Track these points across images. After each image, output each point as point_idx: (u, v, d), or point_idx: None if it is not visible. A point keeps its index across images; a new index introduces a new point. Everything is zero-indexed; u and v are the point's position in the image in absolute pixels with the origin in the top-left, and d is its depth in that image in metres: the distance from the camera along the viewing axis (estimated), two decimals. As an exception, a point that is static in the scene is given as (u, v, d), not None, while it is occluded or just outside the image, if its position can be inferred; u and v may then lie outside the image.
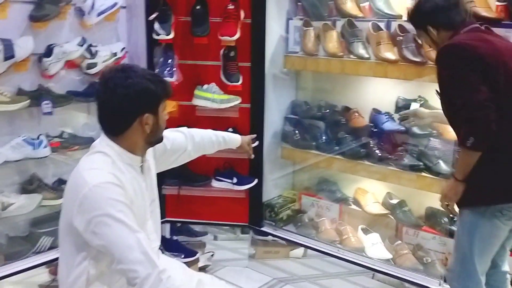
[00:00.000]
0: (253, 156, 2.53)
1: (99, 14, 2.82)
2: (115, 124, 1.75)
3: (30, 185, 2.76)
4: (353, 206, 3.21)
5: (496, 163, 2.00)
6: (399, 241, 2.93)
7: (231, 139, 2.36)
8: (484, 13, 2.53)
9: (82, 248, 1.69)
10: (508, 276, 2.30)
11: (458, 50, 1.99)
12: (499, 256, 2.24)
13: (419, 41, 2.41)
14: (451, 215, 2.20)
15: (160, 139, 1.87)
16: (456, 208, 2.18)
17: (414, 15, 2.21)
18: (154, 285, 1.59)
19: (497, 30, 2.45)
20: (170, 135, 2.10)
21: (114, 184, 1.65)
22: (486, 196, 2.04)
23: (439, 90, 2.09)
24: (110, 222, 1.60)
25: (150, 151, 1.92)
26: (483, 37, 2.05)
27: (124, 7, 3.04)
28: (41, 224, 2.81)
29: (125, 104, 1.70)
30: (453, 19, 2.11)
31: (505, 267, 2.28)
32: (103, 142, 1.77)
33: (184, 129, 2.20)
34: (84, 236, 1.65)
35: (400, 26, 2.80)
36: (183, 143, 2.15)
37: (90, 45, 2.84)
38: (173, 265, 2.02)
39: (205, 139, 2.24)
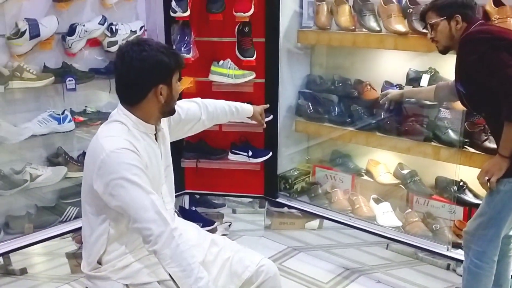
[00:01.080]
0: (265, 126, 2.63)
1: (119, -7, 2.92)
2: (132, 95, 1.86)
3: (56, 158, 2.91)
4: (366, 177, 3.28)
5: None
6: (410, 210, 3.01)
7: (244, 109, 2.45)
8: None
9: (103, 210, 1.82)
10: None
11: (483, 34, 2.12)
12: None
13: (427, 31, 2.38)
14: (489, 190, 2.23)
15: (173, 110, 1.96)
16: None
17: (446, 3, 2.26)
18: (167, 242, 1.71)
19: (506, 1, 2.51)
20: (185, 105, 2.20)
21: (129, 150, 1.76)
22: None
23: (460, 79, 2.23)
24: (126, 184, 1.72)
25: (165, 120, 2.02)
26: (495, 26, 2.23)
27: (143, -14, 3.14)
28: (67, 195, 2.97)
29: (140, 76, 1.80)
30: (474, 13, 2.26)
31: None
32: (120, 111, 1.88)
33: (198, 99, 2.30)
34: (103, 198, 1.77)
35: (411, -1, 2.84)
36: (197, 113, 2.25)
37: (111, 24, 2.95)
38: (187, 226, 2.14)
39: (218, 108, 2.34)
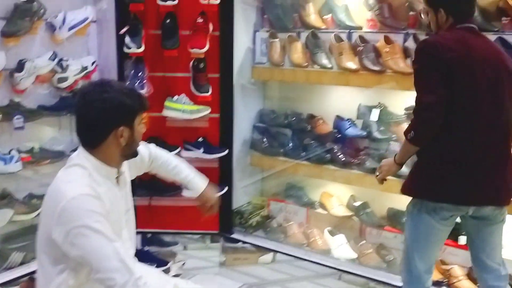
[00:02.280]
0: (208, 215, 2.35)
1: (70, 29, 2.86)
2: (92, 137, 1.81)
3: (1, 200, 2.74)
4: (320, 210, 3.34)
5: (437, 162, 2.09)
6: (364, 241, 3.08)
7: (194, 184, 2.24)
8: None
9: (61, 260, 1.73)
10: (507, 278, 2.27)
11: (430, 48, 2.08)
12: (487, 255, 2.22)
13: (423, 18, 2.34)
14: (380, 183, 2.38)
15: (135, 153, 1.92)
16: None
17: None
18: None
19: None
20: (141, 151, 2.13)
21: (91, 196, 1.71)
22: (423, 190, 2.15)
23: None
24: (88, 232, 1.65)
25: (125, 163, 1.97)
26: (464, 39, 2.09)
27: (94, 22, 3.08)
28: (12, 240, 2.80)
29: (101, 117, 1.76)
30: (462, 11, 2.15)
31: (505, 270, 2.24)
32: (80, 155, 1.82)
33: (152, 146, 2.23)
34: (62, 248, 1.69)
35: (361, 37, 2.97)
36: (145, 162, 2.18)
37: (61, 60, 2.87)
38: (149, 271, 2.09)
39: (166, 167, 2.23)
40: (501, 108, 2.09)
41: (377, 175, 2.37)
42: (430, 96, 2.02)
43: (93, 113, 1.76)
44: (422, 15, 2.31)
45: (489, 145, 2.08)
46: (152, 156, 2.20)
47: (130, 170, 2.07)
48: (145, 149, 2.20)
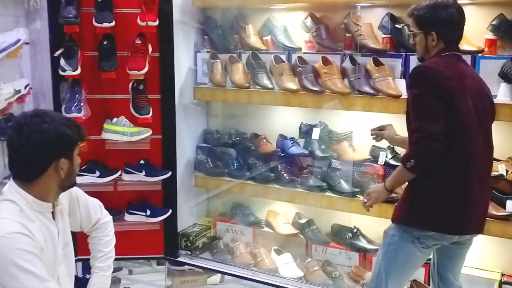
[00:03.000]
0: None
1: (1, 51, 2.74)
2: (29, 170, 1.74)
3: None
4: (266, 229, 3.34)
5: (431, 191, 2.10)
6: (310, 259, 3.10)
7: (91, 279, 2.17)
8: (372, 44, 2.82)
9: None
10: None
11: (430, 75, 2.06)
12: (453, 274, 2.34)
13: (410, 38, 2.29)
14: (367, 210, 2.36)
15: (73, 184, 1.87)
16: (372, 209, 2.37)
17: (426, 17, 2.14)
18: None
19: (384, 60, 2.76)
20: (92, 206, 2.10)
21: (21, 234, 1.64)
22: (408, 217, 2.15)
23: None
24: (17, 273, 1.59)
25: (65, 195, 1.91)
26: (456, 67, 2.13)
27: (27, 43, 2.98)
28: None
29: (40, 149, 1.70)
30: (454, 37, 2.17)
31: (460, 284, 2.38)
32: (12, 189, 1.74)
33: (106, 217, 2.17)
34: None
35: (300, 58, 3.01)
36: (90, 222, 2.11)
37: (-8, 83, 2.75)
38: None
39: (95, 244, 2.16)
40: (487, 138, 2.17)
41: (365, 202, 2.32)
42: (435, 126, 2.01)
43: (31, 145, 1.69)
44: (410, 38, 2.29)
45: (480, 174, 2.12)
46: (97, 225, 2.14)
47: (71, 217, 1.99)
48: (98, 213, 2.13)
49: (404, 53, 2.78)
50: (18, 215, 1.69)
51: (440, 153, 2.02)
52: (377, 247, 2.92)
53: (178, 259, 3.32)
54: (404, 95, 2.71)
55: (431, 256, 2.37)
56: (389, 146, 2.90)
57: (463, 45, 2.48)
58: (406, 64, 2.77)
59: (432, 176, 2.08)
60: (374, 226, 2.99)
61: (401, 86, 2.73)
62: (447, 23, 2.12)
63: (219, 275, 3.52)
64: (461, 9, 2.15)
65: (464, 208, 2.10)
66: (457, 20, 2.14)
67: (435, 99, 2.04)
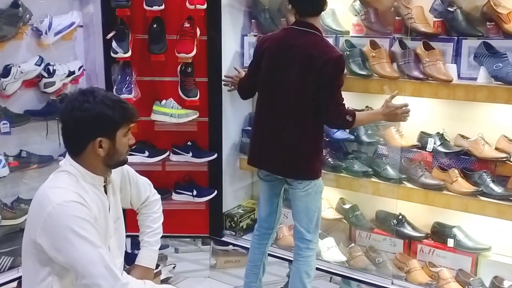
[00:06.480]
0: None
1: (56, 34, 2.85)
2: (72, 145, 1.82)
3: (-12, 205, 2.74)
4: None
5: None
6: (353, 244, 3.09)
7: (140, 254, 2.21)
8: (422, 28, 2.75)
9: (46, 264, 1.73)
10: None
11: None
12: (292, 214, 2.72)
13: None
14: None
15: (121, 162, 1.90)
16: None
17: None
18: None
19: (435, 44, 2.68)
20: (143, 185, 2.16)
21: (78, 203, 1.71)
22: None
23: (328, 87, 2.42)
24: (73, 238, 1.66)
25: (117, 171, 1.97)
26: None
27: (81, 26, 3.07)
28: (0, 244, 2.78)
29: (78, 126, 1.76)
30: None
31: None
32: (67, 161, 1.83)
33: (155, 195, 2.22)
34: (48, 253, 1.69)
35: (347, 41, 2.97)
36: (140, 199, 2.17)
37: (48, 64, 2.85)
38: (135, 280, 2.07)
39: (144, 220, 2.22)
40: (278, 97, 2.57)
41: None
42: None
43: (71, 121, 1.77)
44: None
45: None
46: (146, 202, 2.19)
47: (122, 192, 2.05)
48: (147, 191, 2.18)
49: (456, 37, 2.69)
50: (74, 185, 1.76)
51: None
52: (422, 235, 2.91)
53: (223, 238, 3.38)
54: (455, 81, 2.64)
55: None
56: (438, 133, 2.83)
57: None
58: (458, 48, 2.69)
59: None
60: (420, 213, 2.96)
61: (452, 71, 2.66)
62: None
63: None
64: None
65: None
66: None
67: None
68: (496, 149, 2.67)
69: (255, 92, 2.76)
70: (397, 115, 2.57)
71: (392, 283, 2.81)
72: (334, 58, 2.40)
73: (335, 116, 2.46)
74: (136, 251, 3.38)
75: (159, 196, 2.26)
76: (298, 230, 2.67)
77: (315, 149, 2.55)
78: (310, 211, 2.61)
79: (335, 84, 2.44)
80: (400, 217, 2.97)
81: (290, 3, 2.48)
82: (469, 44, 2.64)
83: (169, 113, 3.10)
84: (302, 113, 2.47)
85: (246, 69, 3.12)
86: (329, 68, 2.39)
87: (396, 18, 2.86)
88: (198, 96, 3.08)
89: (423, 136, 2.89)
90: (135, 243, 3.48)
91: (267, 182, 2.72)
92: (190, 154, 3.17)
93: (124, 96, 2.89)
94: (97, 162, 1.82)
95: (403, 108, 2.59)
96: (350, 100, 3.11)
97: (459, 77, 2.69)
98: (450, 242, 2.81)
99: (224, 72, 3.18)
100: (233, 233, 3.39)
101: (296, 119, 2.49)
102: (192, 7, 2.90)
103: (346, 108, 2.52)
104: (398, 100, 2.64)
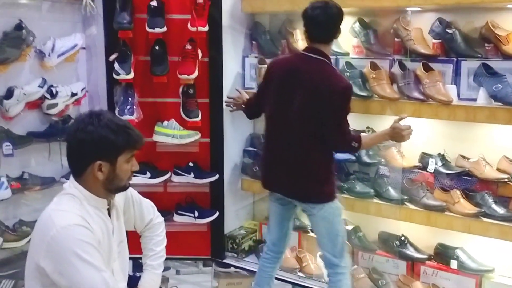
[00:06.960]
0: None
1: (59, 56, 2.88)
2: (73, 165, 1.83)
3: (-10, 228, 2.74)
4: (311, 234, 3.31)
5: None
6: (356, 266, 3.06)
7: (143, 277, 2.17)
8: (422, 50, 2.77)
9: None
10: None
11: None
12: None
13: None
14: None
15: (122, 188, 1.89)
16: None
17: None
18: None
19: (434, 65, 2.71)
20: (146, 207, 2.15)
21: (81, 226, 1.71)
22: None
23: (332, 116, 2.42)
24: (76, 262, 1.66)
25: (120, 194, 1.96)
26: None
27: (84, 48, 3.12)
28: (1, 267, 2.79)
29: (80, 148, 1.77)
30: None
31: None
32: (71, 184, 1.83)
33: (158, 218, 2.21)
34: (51, 277, 1.69)
35: (347, 63, 3.00)
36: (143, 222, 2.16)
37: (51, 86, 2.89)
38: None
39: (147, 243, 2.19)
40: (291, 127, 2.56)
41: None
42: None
43: (73, 142, 1.79)
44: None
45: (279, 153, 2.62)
46: (150, 225, 2.18)
47: (125, 215, 2.05)
48: (151, 214, 2.17)
49: (455, 59, 2.72)
50: (79, 208, 1.76)
51: None
52: (425, 256, 2.88)
53: (225, 260, 3.36)
54: (455, 101, 2.66)
55: None
56: (439, 153, 2.83)
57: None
58: (457, 69, 2.71)
59: None
60: (423, 234, 2.94)
61: (452, 92, 2.67)
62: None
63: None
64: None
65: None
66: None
67: None
68: (498, 170, 2.67)
69: (261, 113, 2.76)
70: (403, 136, 2.57)
71: (395, 306, 2.78)
72: (341, 89, 2.39)
73: (341, 143, 2.48)
74: (137, 273, 3.39)
75: (163, 218, 2.25)
76: (324, 256, 2.64)
77: (325, 171, 2.52)
78: (332, 235, 2.57)
79: (341, 113, 2.43)
80: (403, 238, 2.96)
81: (305, 27, 2.48)
82: (468, 65, 2.66)
83: (171, 134, 3.11)
84: (309, 138, 2.46)
85: (247, 90, 3.17)
86: (336, 99, 2.38)
87: (396, 39, 2.89)
88: (199, 117, 3.09)
89: (424, 157, 2.89)
90: (137, 265, 3.45)
91: (279, 205, 2.69)
92: (192, 175, 3.17)
93: (126, 117, 2.90)
94: (98, 185, 1.82)
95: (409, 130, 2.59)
96: (351, 121, 3.09)
97: (459, 98, 2.71)
98: (454, 264, 2.80)
99: (225, 93, 3.20)
100: (235, 255, 3.37)
101: (304, 143, 2.47)
102: (194, 29, 2.93)
103: (352, 134, 2.52)
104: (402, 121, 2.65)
